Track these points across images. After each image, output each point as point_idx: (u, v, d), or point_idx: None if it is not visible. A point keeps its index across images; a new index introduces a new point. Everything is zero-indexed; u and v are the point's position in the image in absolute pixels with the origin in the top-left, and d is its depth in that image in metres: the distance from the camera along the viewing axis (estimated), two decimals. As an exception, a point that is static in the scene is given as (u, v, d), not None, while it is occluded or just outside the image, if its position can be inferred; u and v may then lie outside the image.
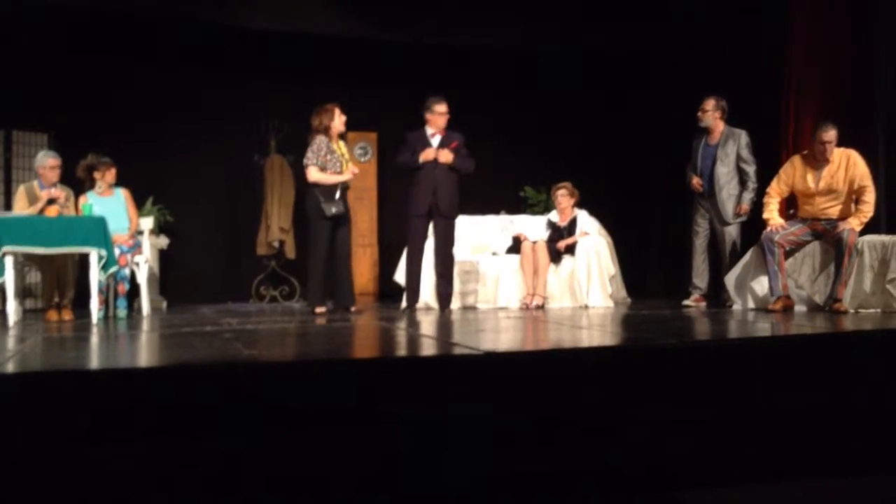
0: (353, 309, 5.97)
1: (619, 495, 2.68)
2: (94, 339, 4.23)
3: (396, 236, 7.31)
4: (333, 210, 5.84)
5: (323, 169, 5.91)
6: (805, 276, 5.66)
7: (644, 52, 8.65)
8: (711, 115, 6.23)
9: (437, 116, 6.05)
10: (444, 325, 4.85)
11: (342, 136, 6.22)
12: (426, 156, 5.96)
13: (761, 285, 5.77)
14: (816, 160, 5.54)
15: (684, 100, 6.73)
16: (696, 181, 6.26)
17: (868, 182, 5.41)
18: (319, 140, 5.95)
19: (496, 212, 7.77)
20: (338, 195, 5.90)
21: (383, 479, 2.57)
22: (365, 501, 2.55)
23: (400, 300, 6.42)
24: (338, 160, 5.96)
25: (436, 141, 6.07)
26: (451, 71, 8.43)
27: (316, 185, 5.90)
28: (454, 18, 7.87)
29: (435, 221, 6.05)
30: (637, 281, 8.11)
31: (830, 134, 5.44)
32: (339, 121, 6.01)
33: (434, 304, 6.28)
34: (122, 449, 2.47)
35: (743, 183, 6.16)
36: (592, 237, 6.76)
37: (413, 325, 4.86)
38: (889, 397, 3.16)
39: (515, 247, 6.91)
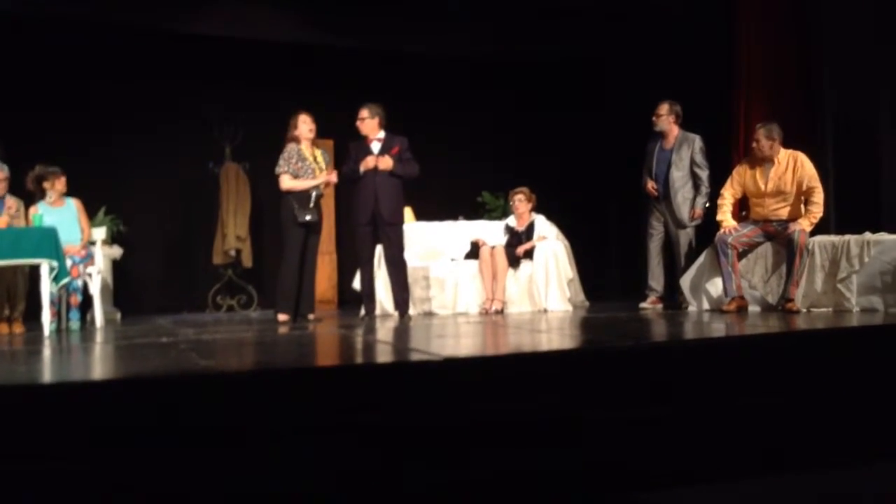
0: (311, 317, 5.94)
1: (581, 497, 2.70)
2: (47, 352, 4.14)
3: (355, 244, 7.27)
4: (308, 217, 5.82)
5: (295, 176, 5.87)
6: (758, 276, 5.75)
7: (598, 57, 8.75)
8: (665, 119, 6.31)
9: (359, 123, 6.02)
10: (403, 331, 4.84)
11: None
12: (366, 164, 5.92)
13: (716, 287, 5.86)
14: (763, 162, 5.65)
15: (638, 105, 6.82)
16: (650, 185, 6.34)
17: (816, 183, 5.52)
18: (290, 147, 5.92)
19: (454, 218, 7.79)
20: (312, 203, 5.86)
21: (342, 488, 2.55)
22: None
23: (359, 308, 6.39)
24: (309, 167, 5.92)
25: (376, 147, 6.03)
26: (408, 77, 8.45)
27: (290, 193, 5.86)
28: (410, 25, 7.89)
29: (380, 229, 5.99)
30: (595, 284, 8.19)
31: (758, 133, 5.60)
32: (304, 127, 5.97)
33: (392, 310, 6.26)
34: (73, 464, 2.42)
35: (696, 187, 6.25)
36: (550, 241, 6.80)
37: (371, 332, 4.84)
38: (842, 393, 3.22)
39: (474, 252, 6.92)
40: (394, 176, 5.95)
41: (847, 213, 6.22)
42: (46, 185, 6.08)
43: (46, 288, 5.22)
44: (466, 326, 5.10)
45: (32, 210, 5.93)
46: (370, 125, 5.99)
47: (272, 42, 8.09)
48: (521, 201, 6.92)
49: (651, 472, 2.82)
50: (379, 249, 6.27)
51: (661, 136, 6.37)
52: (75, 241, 6.05)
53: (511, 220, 7.05)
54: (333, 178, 6.04)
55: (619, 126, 8.43)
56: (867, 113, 6.39)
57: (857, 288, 5.22)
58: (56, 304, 5.88)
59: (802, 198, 5.57)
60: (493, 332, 4.68)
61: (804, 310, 5.36)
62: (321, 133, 6.18)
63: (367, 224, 5.97)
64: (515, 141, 9.15)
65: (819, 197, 5.49)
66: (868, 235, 5.29)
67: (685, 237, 6.27)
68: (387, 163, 5.90)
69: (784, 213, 5.61)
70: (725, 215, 5.78)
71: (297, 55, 8.33)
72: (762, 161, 5.65)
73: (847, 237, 5.35)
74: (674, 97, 6.38)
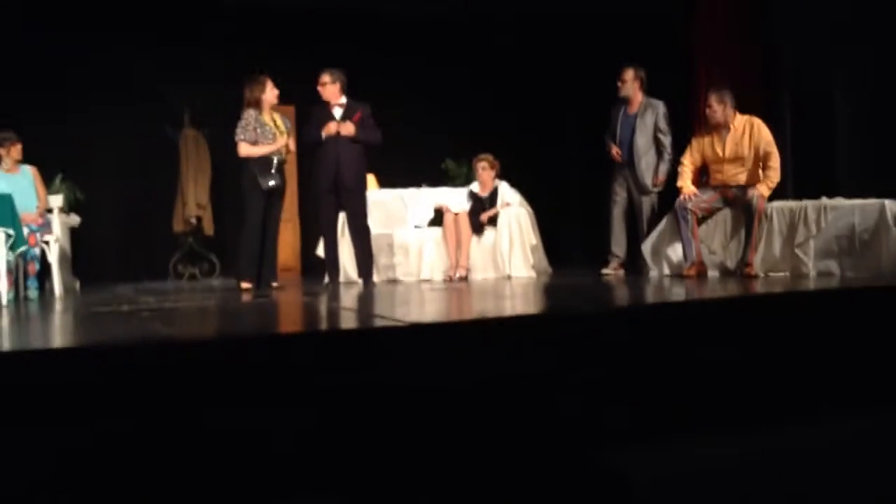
0: (274, 284, 5.91)
1: (543, 457, 2.74)
2: (4, 320, 4.08)
3: (318, 211, 7.23)
4: (271, 183, 5.76)
5: (254, 143, 5.79)
6: (717, 242, 5.83)
7: (559, 22, 8.72)
8: (630, 84, 6.33)
9: (320, 88, 5.96)
10: (367, 298, 4.85)
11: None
12: (328, 130, 5.87)
13: (676, 252, 5.93)
14: (720, 129, 5.70)
15: (601, 70, 6.83)
16: (615, 150, 6.36)
17: (772, 149, 5.58)
18: (248, 114, 5.83)
19: (417, 185, 7.77)
20: (274, 168, 5.80)
21: (304, 456, 2.56)
22: (286, 478, 2.54)
23: (323, 275, 6.38)
24: (269, 132, 5.85)
25: (338, 113, 5.97)
26: (370, 41, 8.35)
27: (250, 159, 5.78)
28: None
29: (343, 196, 5.96)
30: (558, 251, 8.24)
31: (710, 98, 5.68)
32: (270, 93, 5.90)
33: (356, 277, 6.25)
34: (32, 432, 2.40)
35: (659, 153, 6.29)
36: (514, 208, 6.82)
37: (335, 299, 4.84)
38: (799, 354, 3.30)
39: (437, 219, 6.93)
40: (356, 142, 5.90)
41: (804, 179, 6.32)
42: (1, 151, 5.96)
43: (2, 256, 5.12)
44: (431, 293, 5.11)
45: (-14, 177, 5.81)
46: (332, 90, 5.93)
47: (233, 4, 7.94)
48: (484, 168, 6.92)
49: (611, 431, 2.88)
50: (342, 216, 6.23)
51: (626, 101, 6.39)
52: (31, 209, 5.94)
53: (475, 187, 7.05)
54: (291, 145, 5.99)
55: (581, 91, 8.45)
56: (823, 78, 6.47)
57: (814, 252, 5.33)
58: (13, 272, 5.78)
59: (760, 163, 5.64)
60: (458, 298, 4.70)
61: (762, 274, 5.46)
62: (283, 99, 6.11)
63: (330, 191, 5.93)
64: (478, 107, 9.12)
65: (775, 162, 5.55)
66: (825, 200, 5.39)
67: (648, 203, 6.33)
68: (349, 128, 5.85)
69: (742, 178, 5.69)
70: (685, 181, 5.84)
71: (257, 17, 8.19)
72: (719, 128, 5.71)
73: (804, 202, 5.44)
74: (635, 63, 6.39)
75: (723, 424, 2.98)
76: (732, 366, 3.17)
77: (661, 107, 6.31)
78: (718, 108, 5.63)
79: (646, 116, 6.30)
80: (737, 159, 5.66)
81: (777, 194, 5.73)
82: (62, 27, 7.68)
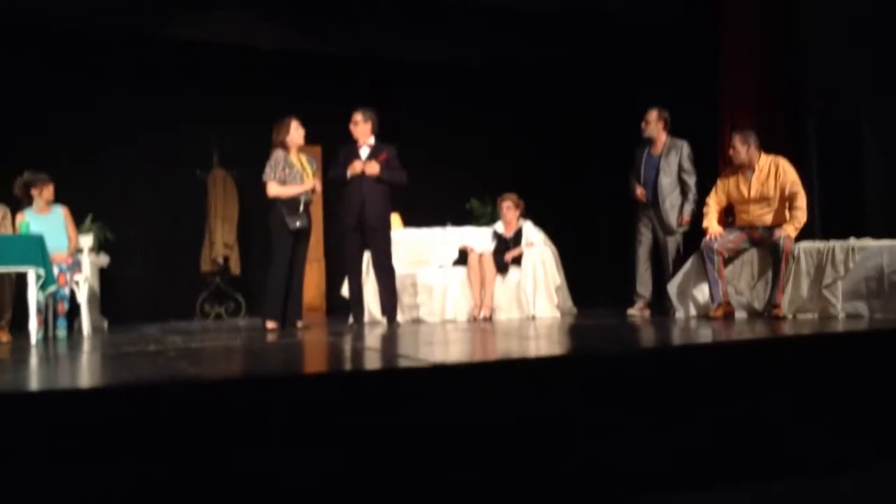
0: (299, 324, 5.93)
1: (562, 501, 2.71)
2: (34, 360, 4.12)
3: (343, 250, 7.28)
4: (297, 224, 5.81)
5: (282, 183, 5.86)
6: (744, 282, 5.78)
7: (583, 63, 8.77)
8: (654, 125, 6.35)
9: (352, 126, 6.06)
10: (391, 338, 4.85)
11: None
12: (353, 169, 5.95)
13: (702, 293, 5.89)
14: (745, 169, 5.70)
15: (626, 111, 6.86)
16: (639, 191, 6.36)
17: (798, 188, 5.56)
18: (277, 155, 5.91)
19: (442, 224, 7.80)
20: (301, 209, 5.86)
21: (331, 494, 2.55)
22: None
23: (347, 315, 6.39)
24: (297, 174, 5.91)
25: (365, 153, 6.06)
26: (397, 84, 8.46)
27: (278, 200, 5.85)
28: (397, 33, 7.90)
29: (367, 234, 6.01)
30: (583, 291, 8.21)
31: (734, 140, 5.70)
32: (296, 134, 5.98)
33: (380, 317, 6.26)
34: (57, 470, 2.42)
35: (684, 193, 6.28)
36: (538, 248, 6.82)
37: (359, 338, 4.85)
38: (828, 399, 3.25)
39: (462, 259, 6.94)
40: (380, 182, 5.97)
41: (832, 219, 6.27)
42: (34, 192, 6.07)
43: (33, 296, 5.19)
44: (455, 333, 5.11)
45: (19, 217, 5.91)
46: (363, 129, 6.03)
47: (261, 48, 8.09)
48: (508, 208, 6.94)
49: (639, 478, 2.84)
50: (367, 256, 6.27)
51: (650, 142, 6.40)
52: (62, 249, 6.02)
53: (499, 227, 7.07)
54: (318, 186, 6.05)
55: (606, 129, 8.47)
56: (850, 117, 6.44)
57: (842, 294, 5.27)
58: (43, 312, 5.85)
59: (786, 203, 5.61)
60: (482, 338, 4.69)
61: (790, 315, 5.40)
62: (309, 139, 6.19)
63: (355, 229, 5.99)
64: (503, 147, 9.18)
65: (802, 202, 5.52)
66: (853, 241, 5.34)
67: (673, 243, 6.30)
68: (373, 168, 5.92)
69: (768, 218, 5.65)
70: (711, 221, 5.82)
71: (285, 62, 8.33)
72: (744, 168, 5.69)
73: (832, 243, 5.39)
74: (661, 104, 6.42)
75: (750, 473, 2.93)
76: (762, 410, 3.13)
77: (685, 147, 6.31)
78: (742, 148, 5.63)
79: (670, 156, 6.30)
80: (762, 199, 5.64)
81: (804, 234, 5.68)
82: (97, 72, 7.85)
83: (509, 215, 6.95)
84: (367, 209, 5.93)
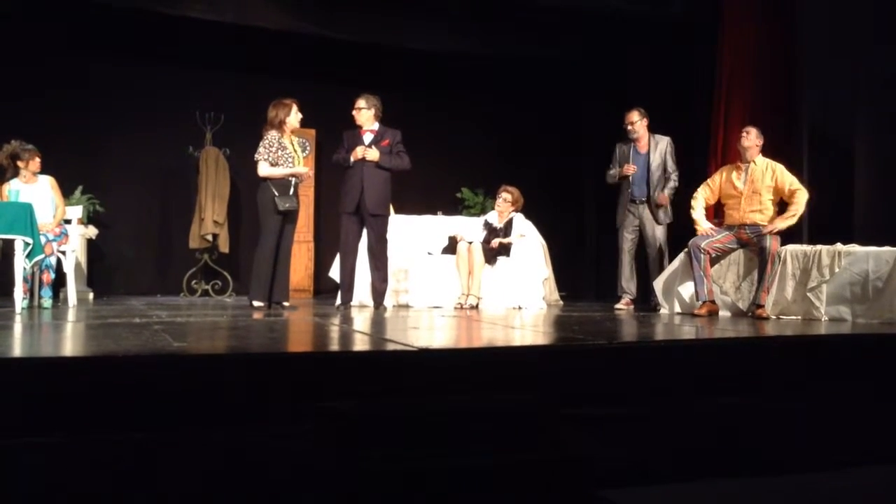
0: (286, 304, 5.93)
1: (542, 493, 2.72)
2: (17, 328, 4.12)
3: (332, 233, 7.28)
4: (287, 205, 5.82)
5: (274, 164, 5.86)
6: (730, 282, 5.82)
7: (577, 58, 8.77)
8: (640, 124, 6.47)
9: (355, 112, 6.07)
10: (378, 321, 4.86)
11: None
12: (355, 154, 5.96)
13: (688, 290, 5.93)
14: (743, 164, 5.76)
15: (619, 105, 6.89)
16: (627, 167, 6.44)
17: (799, 186, 5.66)
18: (271, 135, 5.90)
19: (433, 212, 7.81)
20: (291, 190, 5.88)
21: (309, 474, 2.56)
22: (290, 498, 2.54)
23: (335, 297, 6.40)
24: (289, 156, 5.92)
25: (368, 139, 6.06)
26: (391, 70, 8.43)
27: (269, 180, 5.85)
28: (394, 18, 7.87)
29: (365, 219, 6.03)
30: (570, 284, 8.24)
31: (750, 128, 5.82)
32: (295, 117, 5.98)
33: (368, 301, 6.27)
34: (41, 440, 2.42)
35: (666, 179, 6.42)
36: (527, 240, 6.83)
37: (347, 321, 4.86)
38: (807, 398, 3.28)
39: (451, 247, 6.95)
40: (382, 168, 5.98)
41: (820, 224, 6.29)
42: (21, 163, 6.01)
43: (20, 264, 5.17)
44: (441, 320, 5.12)
45: (6, 186, 5.88)
46: (366, 115, 6.03)
47: (258, 28, 8.04)
48: (506, 201, 6.96)
49: (616, 470, 2.86)
50: (363, 241, 6.26)
51: (634, 139, 6.48)
52: (48, 218, 6.00)
53: (490, 216, 7.08)
54: (310, 170, 6.05)
55: (600, 126, 8.48)
56: (842, 125, 6.48)
57: (826, 297, 5.30)
58: (28, 281, 5.83)
59: (776, 205, 5.68)
60: (468, 325, 4.71)
61: (774, 316, 5.44)
62: (303, 122, 6.19)
63: (353, 213, 6.00)
64: (496, 138, 9.17)
65: (803, 197, 5.61)
66: (839, 246, 5.37)
67: (658, 238, 6.38)
68: (374, 154, 5.93)
69: (757, 217, 5.70)
70: (700, 216, 5.89)
71: (281, 43, 8.29)
72: (742, 158, 5.78)
73: (819, 247, 5.43)
74: (652, 102, 6.52)
75: (723, 468, 2.96)
76: (739, 406, 3.16)
77: (669, 141, 6.49)
78: (756, 140, 5.73)
79: (657, 152, 6.46)
80: (754, 194, 5.69)
81: (792, 237, 5.72)
82: (90, 45, 7.80)
83: (504, 206, 6.96)
84: (366, 194, 5.95)
